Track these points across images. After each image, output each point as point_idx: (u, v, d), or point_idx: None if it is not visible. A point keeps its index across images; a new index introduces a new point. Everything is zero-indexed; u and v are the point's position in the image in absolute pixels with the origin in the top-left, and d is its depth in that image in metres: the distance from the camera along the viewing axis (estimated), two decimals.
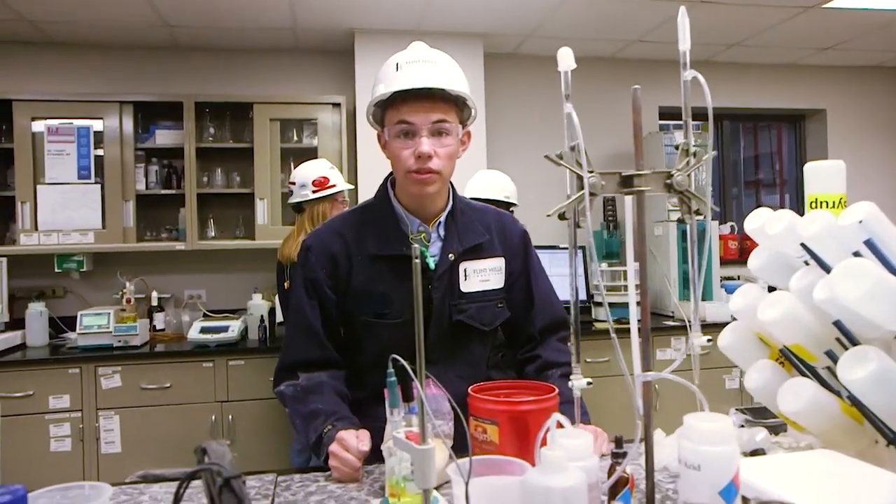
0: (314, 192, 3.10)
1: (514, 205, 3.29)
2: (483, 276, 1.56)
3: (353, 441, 1.29)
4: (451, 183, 1.58)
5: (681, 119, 1.04)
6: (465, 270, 1.54)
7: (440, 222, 1.54)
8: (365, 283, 1.51)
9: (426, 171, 1.42)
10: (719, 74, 4.78)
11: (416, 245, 0.89)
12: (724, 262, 4.63)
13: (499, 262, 1.59)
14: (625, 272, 3.92)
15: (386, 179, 1.60)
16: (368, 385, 1.48)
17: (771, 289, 1.33)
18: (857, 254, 1.13)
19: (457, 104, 1.46)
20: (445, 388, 1.42)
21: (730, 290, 4.16)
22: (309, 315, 1.53)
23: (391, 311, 1.50)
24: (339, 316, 1.55)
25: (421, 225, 1.53)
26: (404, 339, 1.39)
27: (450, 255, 1.52)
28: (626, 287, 3.87)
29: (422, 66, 1.41)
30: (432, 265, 1.49)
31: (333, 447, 1.30)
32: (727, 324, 1.36)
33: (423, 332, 0.87)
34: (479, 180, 3.30)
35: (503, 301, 1.62)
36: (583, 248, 4.03)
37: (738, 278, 4.58)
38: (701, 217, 1.04)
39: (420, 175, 1.43)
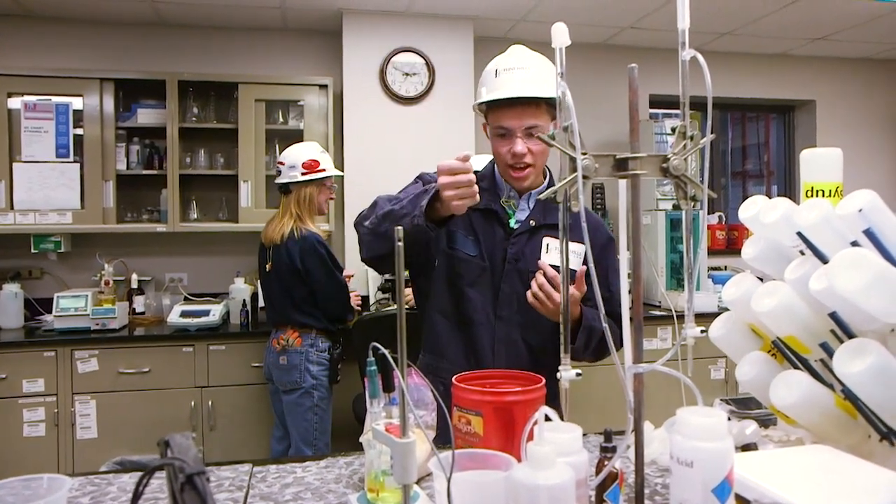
0: (303, 174, 3.05)
1: None
2: None
3: (451, 162, 1.44)
4: (548, 168, 1.80)
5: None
6: (547, 245, 1.71)
7: (531, 194, 1.76)
8: (461, 226, 1.73)
9: (522, 168, 1.67)
10: (709, 64, 4.57)
11: (398, 229, 0.85)
12: (712, 252, 4.64)
13: (580, 248, 1.66)
14: None
15: None
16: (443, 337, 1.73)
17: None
18: (854, 243, 1.09)
19: (548, 103, 1.62)
20: (509, 349, 1.72)
21: (717, 281, 4.16)
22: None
23: (479, 254, 1.73)
24: (433, 245, 1.70)
25: (511, 191, 1.76)
26: (480, 284, 1.71)
27: (531, 221, 1.73)
28: None
29: (516, 73, 1.61)
30: (513, 224, 1.75)
31: (442, 178, 1.44)
32: (714, 314, 1.33)
33: (405, 320, 0.82)
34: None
35: None
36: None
37: (726, 268, 4.58)
38: (696, 203, 1.01)
39: (516, 172, 1.69)
